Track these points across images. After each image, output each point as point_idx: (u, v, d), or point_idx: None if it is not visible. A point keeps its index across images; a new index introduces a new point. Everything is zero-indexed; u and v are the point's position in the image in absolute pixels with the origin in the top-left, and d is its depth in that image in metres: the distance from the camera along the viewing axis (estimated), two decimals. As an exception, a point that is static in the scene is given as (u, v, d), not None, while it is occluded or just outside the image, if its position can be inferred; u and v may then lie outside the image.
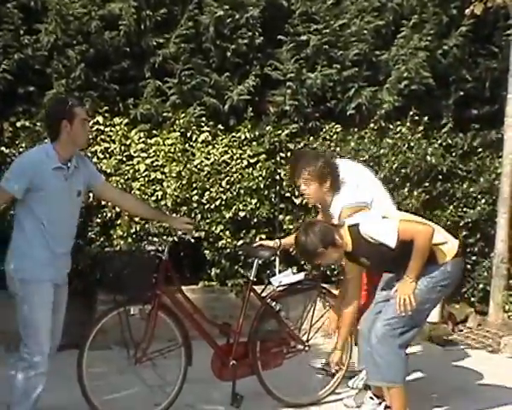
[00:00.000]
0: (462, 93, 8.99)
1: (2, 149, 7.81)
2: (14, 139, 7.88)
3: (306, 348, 6.13)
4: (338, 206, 5.56)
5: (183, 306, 5.70)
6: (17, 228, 4.97)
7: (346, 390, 6.15)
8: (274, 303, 5.96)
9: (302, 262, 7.37)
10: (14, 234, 4.99)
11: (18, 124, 7.90)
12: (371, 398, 5.64)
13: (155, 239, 6.72)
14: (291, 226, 8.14)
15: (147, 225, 7.70)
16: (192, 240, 7.65)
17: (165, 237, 5.80)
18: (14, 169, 4.92)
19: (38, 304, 4.87)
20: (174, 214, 7.75)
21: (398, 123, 8.74)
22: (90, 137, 7.78)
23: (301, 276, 6.04)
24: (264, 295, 6.04)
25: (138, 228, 7.79)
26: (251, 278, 5.97)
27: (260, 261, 6.08)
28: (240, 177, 8.16)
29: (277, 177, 7.96)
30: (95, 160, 7.69)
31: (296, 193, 7.75)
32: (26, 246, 4.89)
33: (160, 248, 5.66)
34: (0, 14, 7.81)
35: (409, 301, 4.98)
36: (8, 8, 7.81)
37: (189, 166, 8.08)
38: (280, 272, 6.48)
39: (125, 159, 7.99)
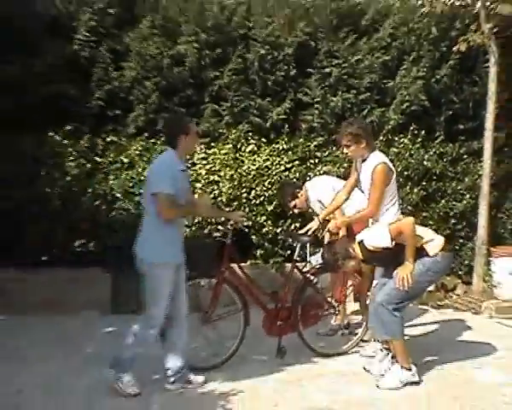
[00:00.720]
0: (451, 112, 8.94)
1: (96, 158, 7.94)
2: (104, 151, 8.02)
3: (337, 312, 6.27)
4: (374, 162, 5.50)
5: (241, 279, 5.77)
6: (150, 219, 4.95)
7: (363, 345, 6.26)
8: (312, 277, 6.06)
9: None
10: (147, 224, 5.00)
11: (107, 139, 8.04)
12: (381, 350, 5.73)
13: (220, 227, 6.79)
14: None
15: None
16: (243, 228, 7.78)
17: (228, 227, 5.85)
18: (161, 174, 4.88)
19: (165, 282, 4.93)
20: (228, 208, 7.85)
21: (402, 136, 8.74)
22: (164, 148, 7.95)
23: None
24: (304, 270, 6.13)
25: (200, 219, 7.80)
26: (295, 258, 6.02)
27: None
28: (279, 179, 8.18)
29: (308, 178, 7.81)
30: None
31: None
32: (158, 234, 4.93)
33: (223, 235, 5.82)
34: (95, 55, 7.92)
35: (406, 279, 5.12)
36: (101, 51, 7.93)
37: (239, 170, 8.14)
38: (310, 253, 6.52)
39: (189, 165, 7.97)
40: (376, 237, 5.19)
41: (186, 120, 5.28)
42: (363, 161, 5.66)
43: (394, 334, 5.31)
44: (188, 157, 7.98)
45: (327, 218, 6.00)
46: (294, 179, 8.09)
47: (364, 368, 5.71)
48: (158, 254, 4.91)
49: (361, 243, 5.28)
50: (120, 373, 5.04)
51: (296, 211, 6.84)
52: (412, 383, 5.37)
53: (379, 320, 5.33)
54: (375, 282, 5.78)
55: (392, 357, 5.52)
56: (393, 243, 5.11)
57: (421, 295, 5.69)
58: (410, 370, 5.38)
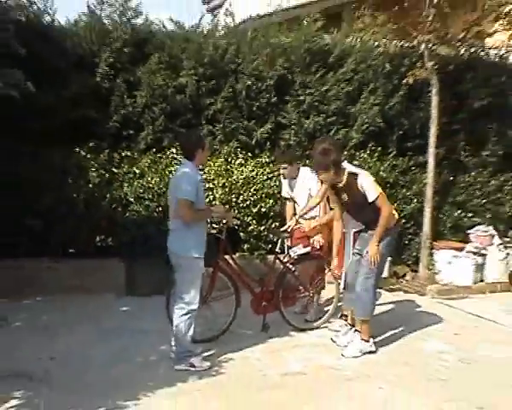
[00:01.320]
0: (401, 132, 8.99)
1: (113, 169, 7.93)
2: (120, 163, 7.99)
3: (311, 295, 6.27)
4: None
5: (233, 268, 5.80)
6: (181, 219, 4.88)
7: (331, 321, 6.32)
8: (291, 266, 6.09)
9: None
10: (177, 223, 4.93)
11: (122, 154, 8.01)
12: (345, 325, 5.86)
13: (214, 225, 6.76)
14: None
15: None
16: (233, 226, 7.70)
17: (220, 224, 5.87)
18: (186, 183, 4.80)
19: (198, 272, 4.95)
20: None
21: (362, 151, 8.73)
22: (169, 161, 8.01)
23: (308, 249, 6.14)
24: (285, 260, 6.14)
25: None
26: (276, 250, 6.08)
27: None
28: (262, 186, 8.15)
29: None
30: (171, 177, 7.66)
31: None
32: (188, 232, 4.89)
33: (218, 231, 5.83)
34: (113, 86, 7.91)
35: (375, 257, 5.22)
36: (117, 82, 7.90)
37: (229, 179, 8.08)
38: (288, 246, 6.51)
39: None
40: (370, 186, 5.18)
41: (202, 137, 5.23)
42: None
43: (368, 314, 5.43)
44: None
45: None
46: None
47: (332, 340, 5.80)
48: (189, 249, 4.89)
49: (352, 174, 5.26)
50: (187, 362, 5.05)
51: (284, 173, 6.59)
52: (370, 352, 5.51)
53: (359, 302, 5.40)
54: (346, 260, 5.82)
55: (356, 331, 5.62)
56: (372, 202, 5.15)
57: (384, 266, 5.72)
58: (368, 341, 5.50)
